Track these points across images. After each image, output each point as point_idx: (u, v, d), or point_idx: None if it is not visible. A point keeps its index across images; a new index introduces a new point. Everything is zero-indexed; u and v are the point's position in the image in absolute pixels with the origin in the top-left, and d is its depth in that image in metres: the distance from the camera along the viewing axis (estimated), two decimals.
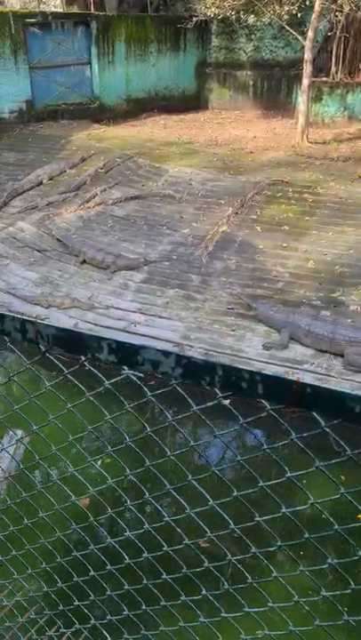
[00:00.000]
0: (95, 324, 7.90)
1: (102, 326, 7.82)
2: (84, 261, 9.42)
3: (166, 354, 1.22)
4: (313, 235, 9.49)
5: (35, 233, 10.51)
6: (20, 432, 2.76)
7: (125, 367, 1.31)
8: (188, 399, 1.43)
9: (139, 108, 17.59)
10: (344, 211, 10.02)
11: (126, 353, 1.27)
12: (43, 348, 1.39)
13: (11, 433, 2.75)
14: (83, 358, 1.35)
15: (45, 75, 15.78)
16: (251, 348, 7.18)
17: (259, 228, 9.79)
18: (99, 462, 5.59)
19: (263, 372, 1.07)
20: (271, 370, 6.61)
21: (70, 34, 15.90)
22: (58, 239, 10.05)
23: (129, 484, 4.83)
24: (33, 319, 1.39)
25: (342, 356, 6.82)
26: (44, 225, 10.69)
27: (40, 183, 12.41)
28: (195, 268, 8.98)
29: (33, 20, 15.16)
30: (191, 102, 18.59)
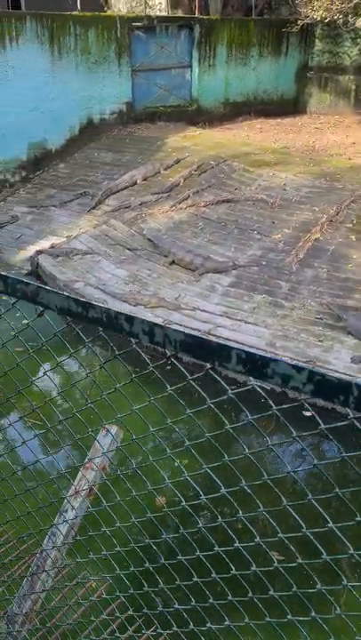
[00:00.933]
0: (180, 325, 7.99)
1: (187, 327, 7.90)
2: (173, 262, 9.55)
3: (299, 369, 1.21)
4: None
5: (126, 232, 10.78)
6: (114, 428, 2.84)
7: (251, 378, 1.31)
8: (318, 419, 1.41)
9: (236, 111, 17.61)
10: None
11: (256, 364, 1.27)
12: (168, 353, 1.42)
13: (106, 427, 2.84)
14: (208, 365, 1.36)
15: (146, 77, 16.16)
16: (338, 361, 6.99)
17: (353, 238, 9.50)
18: (177, 461, 5.65)
19: None
20: None
21: (173, 37, 16.19)
22: (148, 239, 10.26)
23: (205, 481, 4.85)
24: (162, 324, 1.43)
25: None
26: (136, 224, 10.95)
27: (134, 183, 12.72)
28: (284, 274, 8.87)
29: (139, 24, 15.57)
30: (289, 106, 18.37)
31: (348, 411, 1.19)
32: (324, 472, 5.09)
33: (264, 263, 9.21)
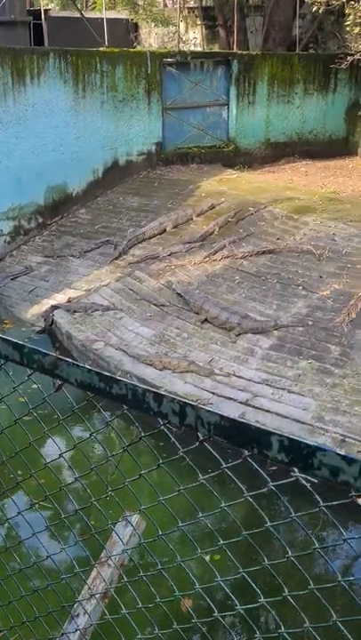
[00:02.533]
0: (213, 393, 7.95)
1: (221, 396, 7.84)
2: (206, 320, 9.61)
3: (350, 461, 1.19)
4: None
5: (153, 285, 10.94)
6: (135, 517, 2.79)
7: (295, 469, 1.30)
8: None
9: (277, 152, 18.08)
10: None
11: (300, 454, 1.26)
12: (201, 436, 1.42)
13: (126, 517, 2.79)
14: (246, 452, 1.36)
15: (178, 116, 16.81)
16: None
17: None
18: (208, 557, 5.49)
19: None
20: None
21: (209, 73, 16.92)
22: (178, 293, 10.38)
23: (239, 583, 4.68)
24: (194, 403, 1.43)
25: None
26: (165, 277, 11.12)
27: (163, 231, 13.02)
28: (334, 337, 8.82)
29: (171, 60, 16.35)
30: (338, 147, 18.77)
31: None
32: None
33: (310, 323, 9.19)
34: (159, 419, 1.57)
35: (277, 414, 7.42)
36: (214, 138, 17.41)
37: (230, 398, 7.80)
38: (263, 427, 1.33)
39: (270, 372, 8.28)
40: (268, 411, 7.47)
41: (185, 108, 16.88)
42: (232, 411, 7.44)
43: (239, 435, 1.35)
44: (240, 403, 7.68)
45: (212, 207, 13.62)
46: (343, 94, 18.67)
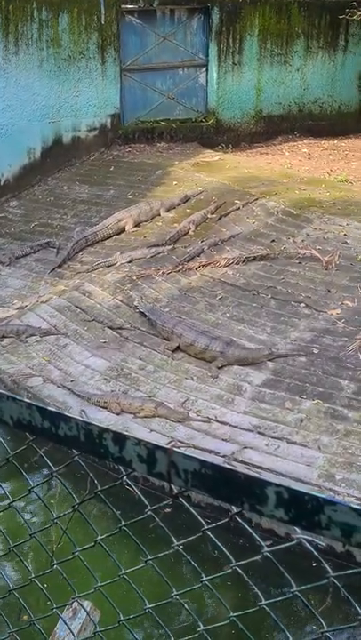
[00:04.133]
0: (187, 444, 7.98)
1: (199, 448, 7.88)
2: (178, 348, 9.66)
3: None
4: None
5: (108, 302, 10.99)
6: (88, 605, 2.81)
7: (298, 529, 1.35)
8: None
9: (272, 128, 18.39)
10: None
11: (303, 508, 1.32)
12: (176, 490, 1.47)
13: (75, 605, 2.80)
14: (234, 509, 1.41)
15: (142, 80, 17.04)
16: None
17: None
18: None
19: None
20: None
21: (182, 25, 17.21)
22: (141, 312, 10.44)
23: None
24: (167, 446, 1.49)
25: None
26: (123, 291, 11.18)
27: (122, 230, 13.10)
28: (346, 369, 8.94)
29: (132, 7, 16.60)
30: (351, 123, 19.16)
31: None
32: None
33: (316, 352, 9.31)
34: (121, 467, 1.61)
35: (273, 472, 7.47)
36: (189, 109, 17.66)
37: (211, 451, 7.82)
38: (256, 475, 1.39)
39: (264, 417, 8.34)
40: (260, 467, 7.50)
41: (150, 69, 17.11)
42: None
43: (225, 486, 1.40)
44: (224, 457, 7.71)
45: (187, 199, 13.75)
46: (357, 54, 19.12)
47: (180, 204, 13.62)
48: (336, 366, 9.03)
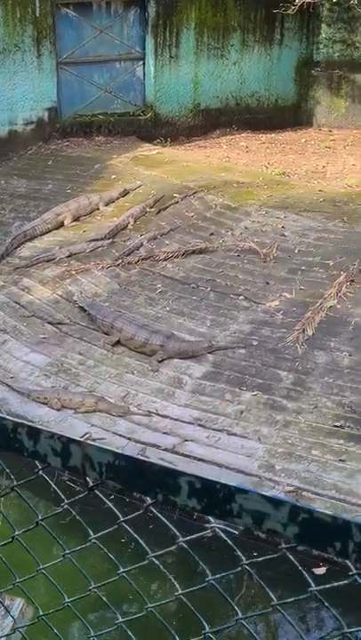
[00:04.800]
0: (129, 438, 7.97)
1: (140, 442, 7.88)
2: (118, 342, 9.64)
3: (278, 503, 1.26)
4: None
5: (48, 297, 10.90)
6: (18, 602, 2.77)
7: (211, 518, 1.35)
8: (305, 574, 1.46)
9: (210, 122, 18.42)
10: None
11: (216, 498, 1.32)
12: (91, 482, 1.46)
13: (7, 602, 2.76)
14: (148, 500, 1.40)
15: (79, 73, 16.91)
16: None
17: None
18: None
19: None
20: None
21: (118, 18, 17.12)
22: (81, 307, 10.38)
23: None
24: (81, 439, 1.48)
25: None
26: (63, 286, 11.10)
27: (60, 225, 12.99)
28: (285, 360, 9.03)
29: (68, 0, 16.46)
30: (288, 116, 19.31)
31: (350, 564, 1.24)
32: None
33: (255, 344, 9.38)
34: (36, 461, 1.60)
35: (214, 463, 7.51)
36: (127, 102, 17.59)
37: (153, 445, 7.84)
38: (170, 466, 1.39)
39: (204, 409, 8.37)
40: (201, 459, 7.54)
41: (87, 62, 17.00)
42: (156, 461, 7.46)
43: (139, 477, 1.40)
44: (165, 450, 7.72)
45: (126, 193, 13.71)
46: (292, 48, 19.25)
47: (118, 198, 13.58)
48: (275, 357, 9.11)
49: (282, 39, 19.05)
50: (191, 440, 7.89)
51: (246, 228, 12.18)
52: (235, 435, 7.95)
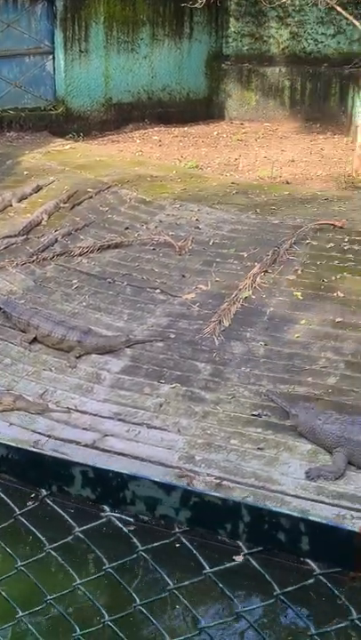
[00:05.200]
0: (48, 436, 7.90)
1: (59, 439, 7.82)
2: (35, 340, 9.54)
3: (168, 488, 1.26)
4: None
5: None
6: None
7: (107, 507, 1.35)
8: (199, 557, 1.47)
9: (122, 116, 18.38)
10: None
11: (109, 486, 1.31)
12: None
13: None
14: (43, 492, 1.39)
15: None
16: (287, 477, 7.15)
17: (299, 295, 9.98)
18: None
19: (310, 517, 1.12)
20: (319, 512, 6.56)
21: (25, 11, 16.89)
22: None
23: None
24: None
25: None
26: None
27: None
28: (202, 352, 9.09)
29: None
30: (200, 110, 19.42)
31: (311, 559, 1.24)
32: None
33: (172, 336, 9.41)
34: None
35: (135, 457, 7.51)
36: (37, 97, 17.39)
37: (72, 441, 7.79)
38: (62, 456, 1.38)
39: (123, 404, 8.36)
40: (121, 454, 7.54)
41: None
42: (77, 457, 7.42)
43: (33, 469, 1.39)
44: (85, 446, 7.69)
45: (39, 189, 13.55)
46: (202, 42, 19.36)
47: (31, 194, 13.41)
48: (192, 350, 9.16)
49: (191, 33, 19.13)
50: (111, 435, 7.88)
51: (161, 221, 12.19)
52: (154, 428, 7.97)
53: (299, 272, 10.47)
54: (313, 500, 6.86)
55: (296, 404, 7.94)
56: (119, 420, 8.11)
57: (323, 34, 18.52)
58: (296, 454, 7.47)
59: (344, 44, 18.34)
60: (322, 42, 18.58)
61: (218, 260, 10.97)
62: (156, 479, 1.29)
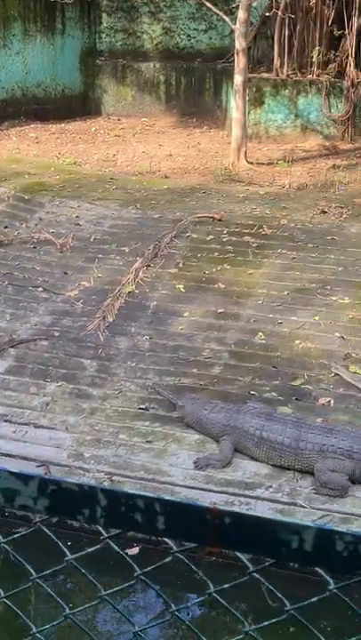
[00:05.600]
0: None
1: None
2: None
3: (26, 478, 1.26)
4: (261, 294, 9.89)
5: None
6: None
7: None
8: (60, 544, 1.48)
9: None
10: (303, 260, 10.55)
11: None
12: None
13: None
14: None
15: None
16: (176, 468, 7.22)
17: (182, 288, 10.09)
18: None
19: (164, 497, 1.14)
20: (208, 500, 6.66)
21: None
22: None
23: None
24: None
25: (312, 473, 6.99)
26: None
27: None
28: (88, 349, 9.06)
29: None
30: (76, 106, 19.31)
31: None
32: None
33: (57, 334, 9.34)
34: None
35: (23, 458, 7.42)
36: None
37: None
38: None
39: (9, 404, 8.23)
40: (9, 455, 7.43)
41: None
42: None
43: None
44: None
45: None
46: (75, 37, 19.26)
47: None
48: (78, 347, 9.12)
49: (64, 29, 19.00)
50: None
51: (41, 219, 12.08)
52: (42, 427, 7.89)
53: (180, 265, 10.60)
54: (202, 489, 6.95)
55: (182, 395, 8.02)
56: (5, 420, 7.98)
57: (195, 29, 18.74)
58: (184, 445, 7.56)
59: (216, 40, 18.61)
60: (194, 37, 18.81)
61: (100, 255, 10.97)
62: (12, 470, 1.29)
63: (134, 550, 6.29)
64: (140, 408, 8.08)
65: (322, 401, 8.04)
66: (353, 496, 6.87)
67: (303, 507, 6.72)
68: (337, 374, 8.38)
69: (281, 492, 6.91)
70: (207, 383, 8.39)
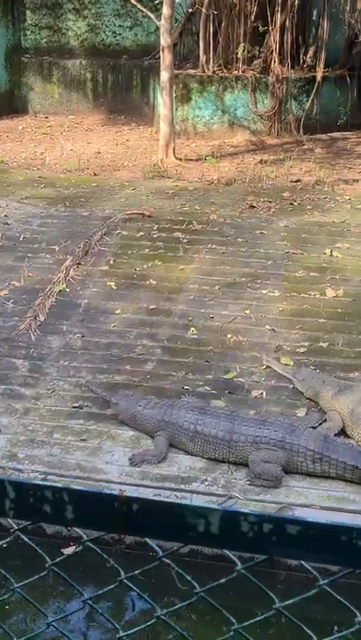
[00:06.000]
0: None
1: None
2: None
3: None
4: (192, 289, 9.94)
5: None
6: None
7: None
8: None
9: None
10: (233, 254, 10.65)
11: None
12: None
13: None
14: None
15: None
16: (112, 465, 7.21)
17: (113, 285, 10.08)
18: None
19: (72, 487, 1.15)
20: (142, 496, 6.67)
21: None
22: None
23: None
24: None
25: (247, 464, 7.07)
26: None
27: None
28: (20, 348, 8.98)
29: None
30: (3, 104, 19.05)
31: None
32: None
33: None
34: None
35: None
36: None
37: None
38: None
39: None
40: None
41: None
42: None
43: None
44: None
45: None
46: None
47: None
48: (9, 347, 9.03)
49: None
50: None
51: None
52: None
53: (111, 262, 10.59)
54: (138, 485, 6.96)
55: (116, 392, 8.02)
56: None
57: (120, 26, 18.69)
58: (119, 442, 7.56)
59: (142, 36, 18.60)
60: (120, 34, 18.76)
61: (29, 254, 10.88)
62: None
63: (69, 550, 6.26)
64: (74, 407, 8.04)
65: (254, 393, 8.13)
66: (287, 486, 6.97)
67: (239, 498, 6.80)
68: (268, 367, 8.49)
69: (216, 484, 6.97)
70: (141, 379, 8.40)
